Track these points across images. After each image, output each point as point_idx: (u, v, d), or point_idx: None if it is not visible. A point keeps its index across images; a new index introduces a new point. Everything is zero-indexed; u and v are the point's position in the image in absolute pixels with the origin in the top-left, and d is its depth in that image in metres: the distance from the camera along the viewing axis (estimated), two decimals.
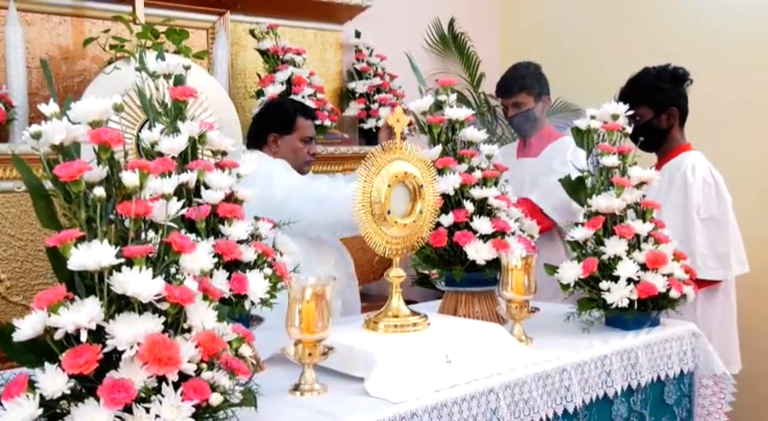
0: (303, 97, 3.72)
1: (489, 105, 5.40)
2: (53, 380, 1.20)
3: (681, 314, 2.36)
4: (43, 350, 1.26)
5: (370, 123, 4.36)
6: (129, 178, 1.33)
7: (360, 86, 4.44)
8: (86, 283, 1.29)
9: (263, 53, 3.85)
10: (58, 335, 1.23)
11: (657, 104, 2.99)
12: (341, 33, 4.50)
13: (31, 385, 1.23)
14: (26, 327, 1.23)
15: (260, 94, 3.75)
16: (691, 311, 2.75)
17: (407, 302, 2.09)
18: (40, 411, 1.19)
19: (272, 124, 3.00)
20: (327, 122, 3.83)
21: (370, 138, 4.39)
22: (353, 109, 4.39)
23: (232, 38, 3.89)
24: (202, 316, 1.36)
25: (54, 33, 3.31)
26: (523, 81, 3.46)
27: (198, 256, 1.40)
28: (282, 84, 3.72)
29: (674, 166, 2.96)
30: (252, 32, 3.91)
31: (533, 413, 1.87)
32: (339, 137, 4.20)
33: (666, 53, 3.39)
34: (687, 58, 3.25)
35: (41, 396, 1.20)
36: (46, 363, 1.23)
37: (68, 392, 1.21)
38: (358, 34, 4.57)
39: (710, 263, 2.84)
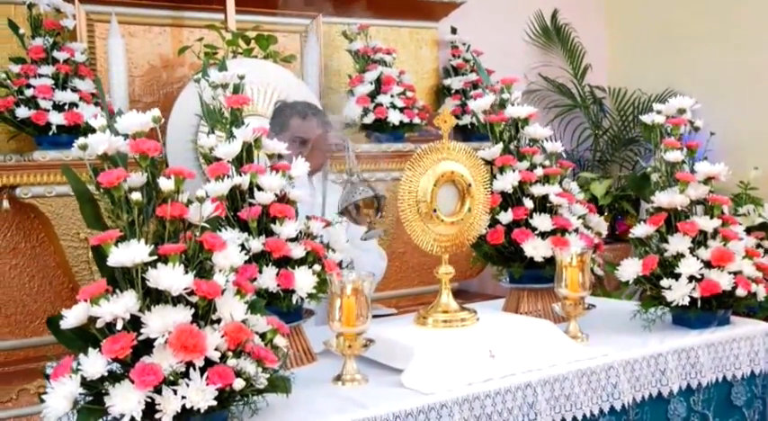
0: (392, 96, 3.81)
1: (595, 98, 5.31)
2: (93, 364, 1.36)
3: None
4: (89, 337, 1.42)
5: (466, 119, 4.39)
6: (165, 183, 1.47)
7: (455, 83, 4.49)
8: (128, 278, 1.45)
9: (354, 54, 3.97)
10: (99, 324, 1.39)
11: None
12: (436, 30, 4.57)
13: (77, 368, 1.39)
14: (71, 317, 1.39)
15: (350, 93, 3.87)
16: None
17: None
18: (81, 389, 1.35)
19: (272, 125, 2.78)
20: (416, 120, 3.89)
21: (466, 133, 4.42)
22: (449, 105, 4.44)
23: (326, 39, 4.04)
24: (232, 308, 1.49)
25: (155, 43, 3.58)
26: None
27: (229, 254, 1.52)
28: (371, 83, 3.83)
29: None
30: (344, 34, 4.04)
31: (576, 409, 1.88)
32: (434, 133, 4.25)
33: None
34: None
35: (83, 377, 1.36)
36: (89, 348, 1.39)
37: (107, 374, 1.36)
38: (454, 31, 4.61)
39: None
